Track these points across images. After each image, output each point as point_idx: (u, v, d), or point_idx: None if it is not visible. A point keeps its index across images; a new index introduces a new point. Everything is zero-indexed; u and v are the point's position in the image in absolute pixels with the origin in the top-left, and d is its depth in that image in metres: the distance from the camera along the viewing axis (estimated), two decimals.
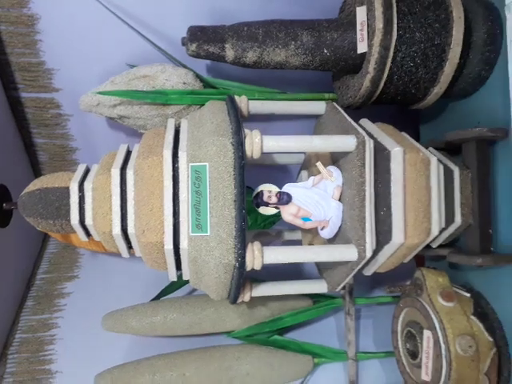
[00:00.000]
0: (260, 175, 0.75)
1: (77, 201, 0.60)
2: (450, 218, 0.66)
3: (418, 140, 0.82)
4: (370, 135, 0.64)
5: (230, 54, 0.72)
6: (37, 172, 1.06)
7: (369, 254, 0.56)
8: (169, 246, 0.55)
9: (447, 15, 0.65)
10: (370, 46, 0.65)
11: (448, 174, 0.66)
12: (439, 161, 0.66)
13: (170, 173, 0.55)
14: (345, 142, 0.57)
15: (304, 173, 0.71)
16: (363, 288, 0.97)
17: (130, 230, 0.58)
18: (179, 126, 0.65)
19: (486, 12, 0.67)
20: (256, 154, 0.55)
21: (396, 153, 0.59)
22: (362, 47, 0.68)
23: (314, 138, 0.56)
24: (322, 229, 0.62)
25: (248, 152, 0.54)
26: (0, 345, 0.90)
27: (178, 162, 0.56)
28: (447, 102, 0.80)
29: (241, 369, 0.80)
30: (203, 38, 0.72)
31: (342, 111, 0.65)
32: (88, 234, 0.62)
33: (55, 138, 1.04)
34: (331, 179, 0.61)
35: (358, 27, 0.68)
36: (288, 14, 0.87)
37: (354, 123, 0.61)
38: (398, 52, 0.64)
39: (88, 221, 0.60)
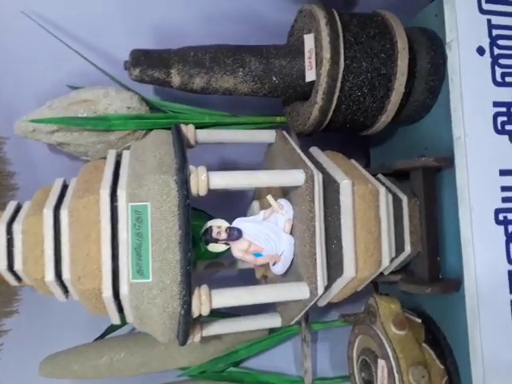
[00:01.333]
0: (211, 201, 0.72)
1: (4, 244, 0.54)
2: (399, 247, 0.67)
3: (368, 163, 0.82)
4: (320, 166, 0.63)
5: (176, 79, 0.69)
6: None
7: (320, 291, 0.55)
8: (108, 293, 0.51)
9: (392, 45, 0.65)
10: (318, 75, 0.64)
11: (397, 203, 0.67)
12: (388, 190, 0.66)
13: (108, 213, 0.51)
14: (293, 177, 0.55)
15: (255, 203, 0.69)
16: (319, 312, 0.96)
17: (65, 275, 0.54)
18: (121, 157, 0.61)
19: (429, 42, 0.69)
20: (202, 192, 0.52)
21: (345, 185, 0.59)
22: (310, 75, 0.67)
23: (262, 174, 0.54)
24: (273, 264, 0.60)
25: (193, 190, 0.51)
26: None
27: (116, 201, 0.52)
28: (396, 127, 0.81)
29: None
30: (147, 62, 0.69)
31: (291, 141, 0.63)
32: (19, 278, 0.57)
33: None
34: (282, 212, 0.59)
35: (307, 55, 0.67)
36: (236, 35, 0.85)
37: (303, 155, 0.59)
38: (345, 82, 0.64)
39: (17, 266, 0.55)
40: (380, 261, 0.62)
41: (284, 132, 0.67)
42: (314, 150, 0.69)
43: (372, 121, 0.70)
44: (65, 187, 0.60)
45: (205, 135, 0.65)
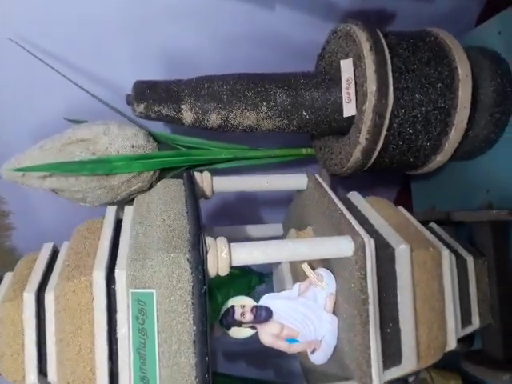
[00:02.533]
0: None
1: None
2: (465, 319, 0.54)
3: (409, 199, 0.70)
4: (366, 222, 0.51)
5: (187, 116, 0.58)
6: None
7: None
8: None
9: (451, 72, 0.53)
10: (360, 110, 0.53)
11: (461, 265, 0.54)
12: (449, 248, 0.54)
13: (104, 302, 0.40)
14: (339, 248, 0.43)
15: (285, 263, 0.57)
16: None
17: (51, 377, 0.42)
18: (122, 216, 0.50)
19: (493, 66, 0.57)
20: (223, 272, 0.40)
21: (402, 252, 0.46)
22: (349, 109, 0.55)
23: (300, 246, 0.42)
24: (312, 352, 0.48)
25: (211, 271, 0.40)
26: None
27: (114, 283, 0.41)
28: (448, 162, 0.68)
29: None
30: (153, 96, 0.58)
31: (329, 190, 0.52)
32: None
33: None
34: (322, 286, 0.47)
35: (344, 85, 0.55)
36: (256, 61, 0.74)
37: (348, 214, 0.47)
38: (394, 118, 0.52)
39: None
40: (445, 342, 0.49)
41: (318, 178, 0.55)
42: (354, 196, 0.57)
43: (424, 161, 0.58)
44: (54, 255, 0.49)
45: (223, 184, 0.54)
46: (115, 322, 0.41)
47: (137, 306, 0.39)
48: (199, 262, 0.39)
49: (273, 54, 0.74)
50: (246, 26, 0.73)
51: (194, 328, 0.39)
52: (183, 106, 0.58)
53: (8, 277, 0.48)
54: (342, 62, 0.55)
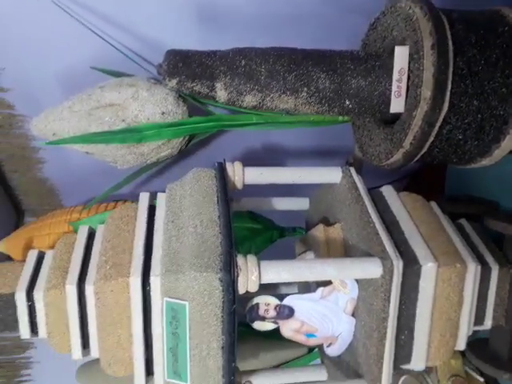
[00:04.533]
0: None
1: (26, 312, 0.48)
2: (478, 322, 0.56)
3: (443, 185, 0.68)
4: (396, 228, 0.50)
5: (221, 95, 0.55)
6: None
7: None
8: (141, 382, 0.45)
9: None
10: (409, 113, 0.48)
11: (485, 274, 0.54)
12: (476, 254, 0.54)
13: (140, 305, 0.43)
14: (367, 272, 0.44)
15: (310, 254, 0.58)
16: None
17: (94, 354, 0.48)
18: (154, 207, 0.51)
19: None
20: (252, 289, 0.42)
21: (429, 270, 0.47)
22: (397, 105, 0.51)
23: (328, 266, 0.43)
24: (328, 345, 0.52)
25: (241, 290, 0.42)
26: None
27: (149, 285, 0.43)
28: None
29: None
30: (186, 72, 0.54)
31: (365, 198, 0.50)
32: None
33: (12, 139, 0.88)
34: (345, 292, 0.49)
35: (395, 76, 0.50)
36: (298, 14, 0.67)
37: (381, 229, 0.47)
38: (445, 125, 0.48)
39: (42, 335, 0.49)
40: (455, 345, 0.52)
41: (354, 174, 0.53)
42: (387, 192, 0.56)
43: (468, 162, 0.55)
44: (90, 240, 0.51)
45: (255, 176, 0.53)
46: (150, 320, 0.44)
47: (170, 313, 0.42)
48: (230, 283, 0.40)
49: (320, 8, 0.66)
50: None
51: (223, 337, 0.42)
52: (217, 85, 0.54)
53: (48, 257, 0.51)
54: (397, 48, 0.49)
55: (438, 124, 0.47)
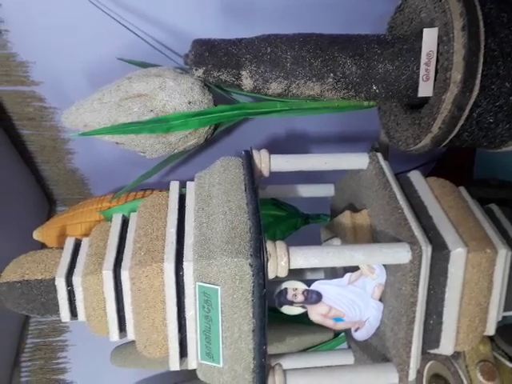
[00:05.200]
0: None
1: (66, 296, 0.50)
2: (508, 306, 0.56)
3: (471, 169, 0.67)
4: (424, 214, 0.50)
5: (247, 83, 0.55)
6: (28, 160, 0.94)
7: (412, 377, 0.48)
8: (175, 366, 0.47)
9: None
10: (438, 97, 0.48)
11: None
12: (507, 239, 0.53)
13: (174, 289, 0.45)
14: (396, 257, 0.44)
15: (336, 241, 0.58)
16: None
17: (130, 336, 0.50)
18: (185, 193, 0.52)
19: None
20: (282, 274, 0.43)
21: (458, 255, 0.47)
22: (425, 89, 0.50)
23: (356, 252, 0.44)
24: (356, 330, 0.53)
25: (271, 275, 0.43)
26: (12, 351, 0.88)
27: (182, 270, 0.45)
28: None
29: None
30: (213, 61, 0.55)
31: (392, 183, 0.50)
32: None
33: (43, 131, 0.91)
34: (372, 277, 0.50)
35: (423, 59, 0.49)
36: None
37: (410, 216, 0.47)
38: (475, 108, 0.47)
39: (81, 318, 0.51)
40: (484, 331, 0.52)
41: (381, 160, 0.53)
42: (415, 177, 0.55)
43: (498, 145, 0.54)
44: (124, 225, 0.53)
45: (281, 164, 0.53)
46: (183, 303, 0.46)
47: (203, 297, 0.44)
48: (260, 268, 0.41)
49: None
50: None
51: (254, 321, 0.43)
52: (243, 73, 0.54)
53: (85, 244, 0.53)
54: (425, 31, 0.49)
55: (469, 107, 0.46)
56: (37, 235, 0.79)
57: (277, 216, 0.87)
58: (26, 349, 0.91)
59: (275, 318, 0.74)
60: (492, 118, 0.49)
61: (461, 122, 0.48)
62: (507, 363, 0.65)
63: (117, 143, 0.68)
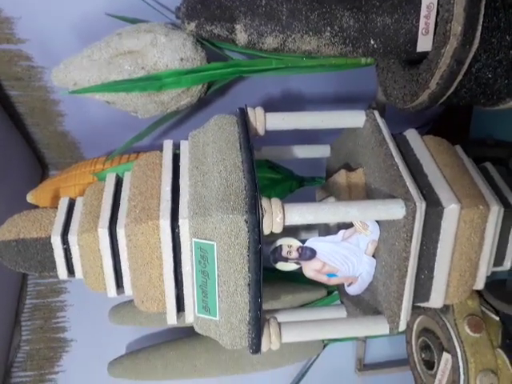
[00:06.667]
0: None
1: (62, 254, 0.51)
2: (498, 263, 0.57)
3: (467, 128, 0.67)
4: (419, 171, 0.50)
5: (241, 37, 0.54)
6: (17, 123, 0.92)
7: (402, 328, 0.49)
8: (173, 321, 0.48)
9: None
10: (437, 51, 0.47)
11: (508, 216, 0.54)
12: (499, 197, 0.54)
13: (170, 245, 0.45)
14: (390, 213, 0.44)
15: (331, 199, 0.59)
16: None
17: (127, 292, 0.51)
18: (179, 152, 0.52)
19: None
20: (277, 230, 0.43)
21: (451, 211, 0.47)
22: (424, 44, 0.49)
23: (351, 208, 0.44)
24: (349, 285, 0.54)
25: (266, 231, 0.43)
26: (12, 310, 0.89)
27: (178, 227, 0.45)
28: None
29: (251, 357, 0.80)
30: (205, 14, 0.53)
31: (388, 141, 0.50)
32: None
33: (32, 91, 0.89)
34: (366, 233, 0.50)
35: (423, 12, 0.48)
36: None
37: (405, 172, 0.47)
38: (475, 63, 0.46)
39: (78, 275, 0.52)
40: (474, 285, 0.54)
41: (378, 117, 0.53)
42: (411, 135, 0.55)
43: (495, 102, 0.54)
44: (118, 186, 0.53)
45: (277, 122, 0.53)
46: (180, 259, 0.46)
47: (199, 253, 0.44)
48: (255, 223, 0.42)
49: None
50: None
51: (249, 275, 0.44)
52: (237, 27, 0.52)
53: (79, 204, 0.53)
54: None
55: (468, 61, 0.45)
56: (30, 198, 0.79)
57: (272, 179, 0.87)
58: (25, 309, 0.93)
59: (270, 277, 0.76)
60: (491, 74, 0.48)
61: (459, 78, 0.47)
62: (494, 316, 0.67)
63: (108, 102, 0.66)
